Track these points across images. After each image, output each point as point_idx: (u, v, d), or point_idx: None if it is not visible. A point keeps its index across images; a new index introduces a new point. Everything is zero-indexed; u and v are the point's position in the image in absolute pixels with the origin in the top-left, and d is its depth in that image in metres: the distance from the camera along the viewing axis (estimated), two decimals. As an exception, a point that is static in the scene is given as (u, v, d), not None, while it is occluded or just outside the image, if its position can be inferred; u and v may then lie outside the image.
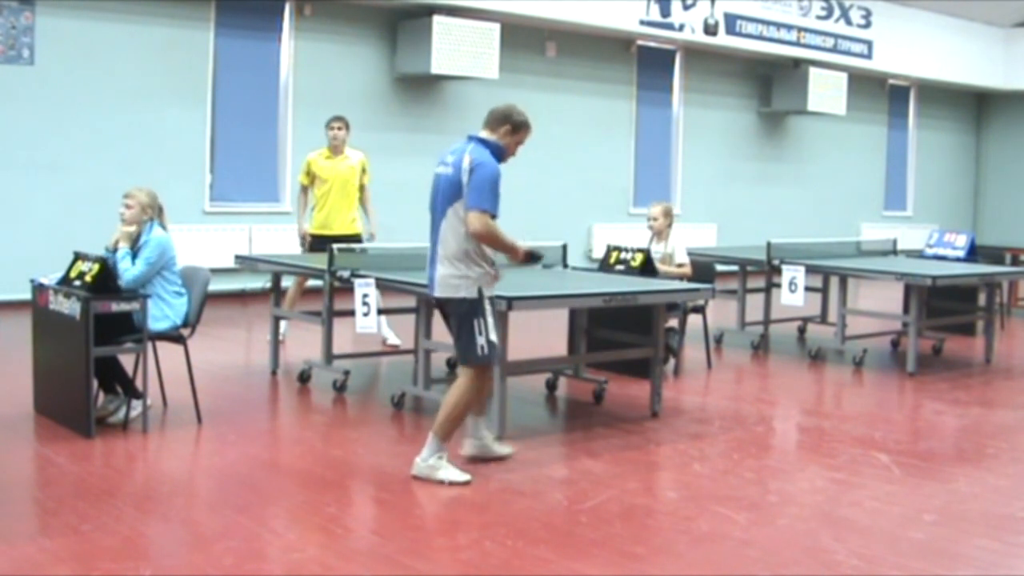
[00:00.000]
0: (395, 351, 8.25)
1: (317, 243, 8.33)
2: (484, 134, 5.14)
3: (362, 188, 8.67)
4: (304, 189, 8.65)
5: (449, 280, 5.03)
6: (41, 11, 9.95)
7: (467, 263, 4.98)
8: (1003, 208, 19.16)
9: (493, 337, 5.05)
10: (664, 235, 8.05)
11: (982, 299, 9.51)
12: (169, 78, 10.71)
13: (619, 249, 7.54)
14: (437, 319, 6.65)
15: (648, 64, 14.72)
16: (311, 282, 8.33)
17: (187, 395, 6.12)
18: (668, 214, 8.13)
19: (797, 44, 15.17)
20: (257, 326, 9.63)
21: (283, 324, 8.12)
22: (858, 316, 9.38)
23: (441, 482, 5.02)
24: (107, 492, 4.80)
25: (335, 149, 8.56)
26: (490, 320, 5.03)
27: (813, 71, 15.31)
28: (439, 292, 5.09)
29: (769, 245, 8.94)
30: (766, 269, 9.02)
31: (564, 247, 7.62)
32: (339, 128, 8.54)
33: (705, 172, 15.39)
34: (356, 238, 8.36)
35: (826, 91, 15.48)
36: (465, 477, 5.05)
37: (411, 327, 7.20)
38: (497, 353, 5.18)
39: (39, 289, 6.01)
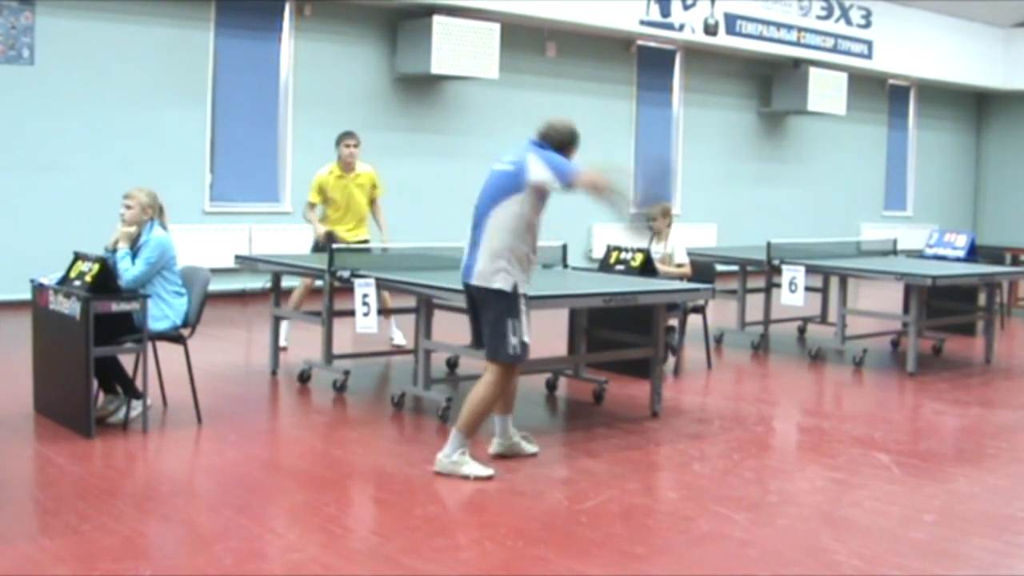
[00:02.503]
0: (399, 351, 8.24)
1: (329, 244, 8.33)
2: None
3: (373, 202, 8.61)
4: (312, 206, 8.46)
5: (486, 272, 5.09)
6: (41, 11, 9.95)
7: (508, 259, 5.07)
8: (1003, 208, 19.16)
9: (526, 338, 5.16)
10: (664, 235, 8.05)
11: (982, 299, 9.51)
12: (169, 78, 10.71)
13: (619, 249, 7.54)
14: (438, 319, 6.66)
15: (648, 64, 14.72)
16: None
17: (187, 395, 6.12)
18: (667, 214, 8.14)
19: (797, 44, 15.17)
20: (257, 326, 9.63)
21: (283, 332, 8.11)
22: (858, 316, 9.38)
23: (466, 477, 5.07)
24: (107, 492, 4.80)
25: (347, 167, 8.40)
26: (524, 320, 5.14)
27: (813, 71, 15.31)
28: (476, 280, 5.12)
29: (769, 245, 8.94)
30: (766, 269, 9.03)
31: (564, 247, 7.62)
32: (354, 146, 8.38)
33: (705, 172, 15.38)
34: (366, 242, 8.38)
35: (826, 91, 15.48)
36: (489, 471, 5.11)
37: (411, 327, 7.20)
38: (527, 354, 5.24)
39: (39, 289, 6.01)
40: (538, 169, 5.04)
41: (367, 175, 8.52)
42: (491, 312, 5.12)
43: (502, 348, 5.11)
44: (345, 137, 8.44)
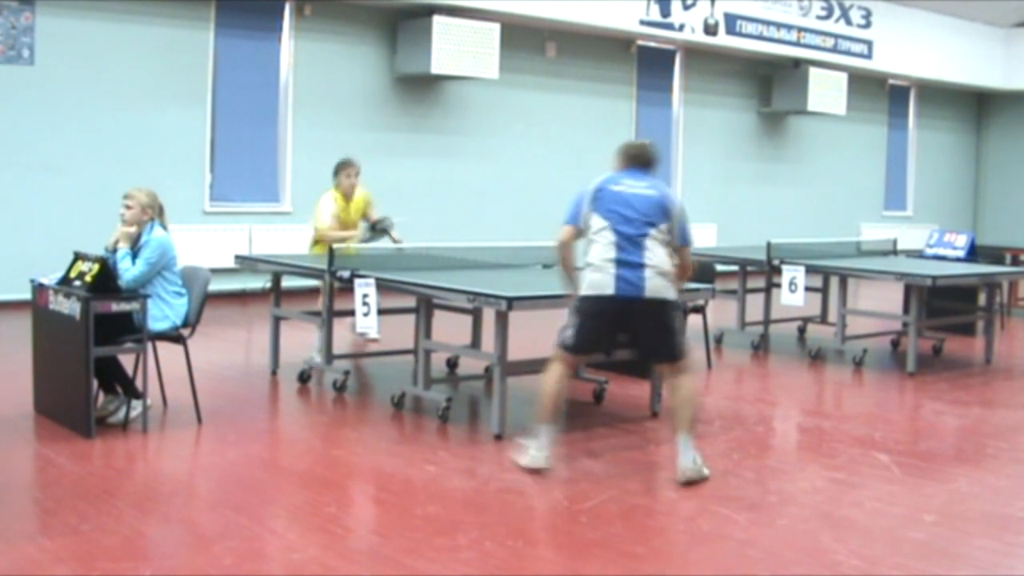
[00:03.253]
0: (388, 350, 8.22)
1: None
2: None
3: (365, 217, 8.60)
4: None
5: (661, 286, 5.24)
6: (41, 11, 9.95)
7: (672, 274, 5.33)
8: (1003, 208, 19.16)
9: None
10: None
11: (982, 299, 9.51)
12: (169, 78, 10.71)
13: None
14: (438, 319, 6.65)
15: (648, 64, 14.72)
16: (311, 282, 8.31)
17: (187, 395, 6.12)
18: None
19: (797, 44, 15.17)
20: (257, 326, 9.63)
21: (315, 352, 8.10)
22: (858, 316, 9.38)
23: (704, 478, 5.18)
24: (107, 492, 4.80)
25: (348, 196, 8.37)
26: None
27: (813, 71, 15.31)
28: (652, 294, 5.22)
29: (769, 245, 8.95)
30: (766, 269, 9.03)
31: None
32: (355, 175, 8.34)
33: (705, 172, 15.38)
34: None
35: (826, 91, 15.48)
36: (706, 474, 5.23)
37: (411, 327, 7.19)
38: None
39: (39, 289, 6.01)
40: (683, 216, 5.49)
41: (363, 197, 8.44)
42: (667, 320, 5.32)
43: (682, 345, 5.39)
44: (346, 167, 8.35)
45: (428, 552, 4.20)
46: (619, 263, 5.21)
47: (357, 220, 8.49)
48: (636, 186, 5.37)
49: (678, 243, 5.39)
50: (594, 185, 5.40)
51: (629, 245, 5.22)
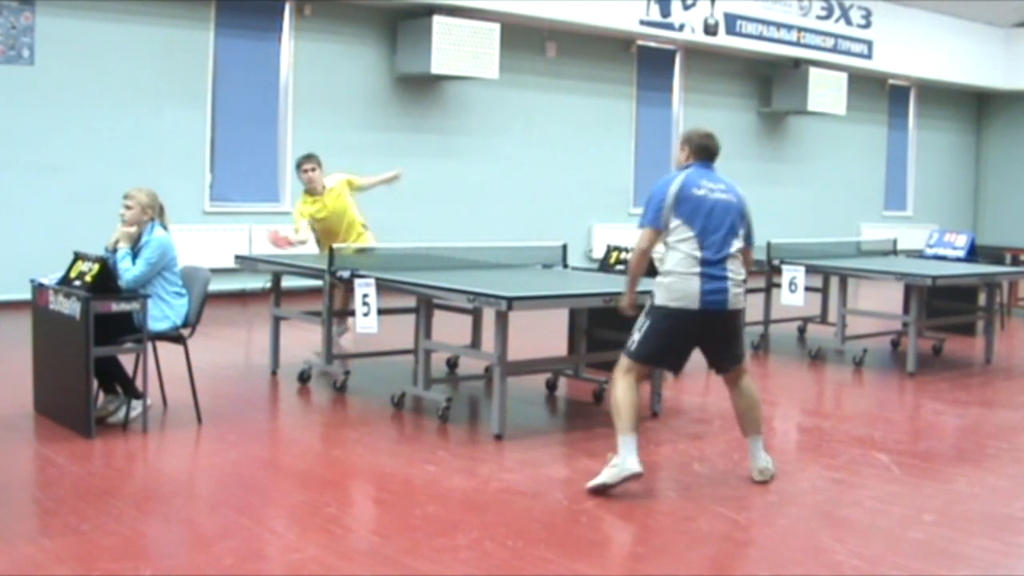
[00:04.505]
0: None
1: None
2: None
3: (361, 188, 8.63)
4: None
5: (739, 294, 5.13)
6: (41, 11, 9.95)
7: (745, 281, 5.22)
8: (1003, 208, 19.16)
9: None
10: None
11: (982, 299, 9.51)
12: (169, 78, 10.71)
13: (619, 249, 7.54)
14: (438, 319, 6.65)
15: (648, 64, 14.72)
16: (311, 282, 8.30)
17: (187, 395, 6.12)
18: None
19: (797, 44, 15.17)
20: (257, 326, 9.63)
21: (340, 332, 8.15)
22: (858, 316, 9.38)
23: (773, 475, 5.22)
24: (107, 492, 4.80)
25: (312, 191, 8.41)
26: None
27: (813, 71, 15.31)
28: (733, 305, 5.11)
29: (769, 245, 8.95)
30: (766, 269, 9.03)
31: (564, 247, 7.62)
32: (311, 170, 8.37)
33: (705, 172, 15.35)
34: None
35: (826, 91, 15.48)
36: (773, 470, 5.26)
37: (411, 327, 7.19)
38: None
39: (39, 289, 6.01)
40: (751, 217, 5.30)
41: (338, 185, 8.47)
42: (739, 327, 5.28)
43: (743, 349, 5.36)
44: (302, 162, 8.46)
45: (428, 552, 4.20)
46: (704, 276, 4.98)
47: (343, 208, 8.47)
48: (716, 190, 5.13)
49: (744, 243, 5.19)
50: (676, 186, 5.06)
51: (714, 257, 5.00)
